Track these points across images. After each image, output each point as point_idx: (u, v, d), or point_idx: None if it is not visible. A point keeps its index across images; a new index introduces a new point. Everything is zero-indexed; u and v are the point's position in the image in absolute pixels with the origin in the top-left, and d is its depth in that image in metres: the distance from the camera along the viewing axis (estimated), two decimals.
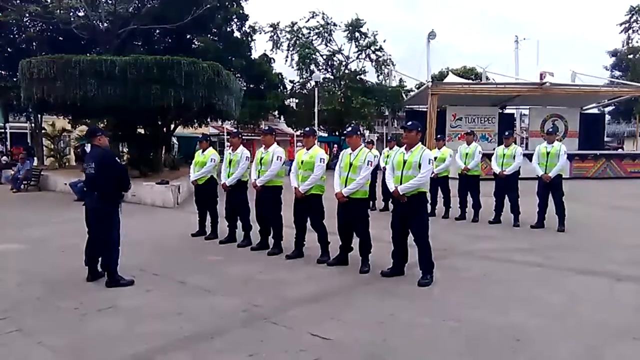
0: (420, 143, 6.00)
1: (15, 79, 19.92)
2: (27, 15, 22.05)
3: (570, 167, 20.27)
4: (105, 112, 16.00)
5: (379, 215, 10.42)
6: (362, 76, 31.43)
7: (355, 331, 4.41)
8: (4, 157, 23.86)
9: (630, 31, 39.84)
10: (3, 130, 28.53)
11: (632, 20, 39.51)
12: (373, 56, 31.36)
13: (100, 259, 5.84)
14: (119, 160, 5.95)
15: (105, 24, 22.36)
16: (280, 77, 31.68)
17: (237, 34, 28.94)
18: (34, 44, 23.48)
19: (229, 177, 7.90)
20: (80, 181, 13.70)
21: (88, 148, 22.63)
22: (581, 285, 5.96)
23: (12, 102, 22.68)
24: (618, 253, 7.57)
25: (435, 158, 9.89)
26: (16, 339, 4.26)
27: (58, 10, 21.93)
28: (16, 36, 23.57)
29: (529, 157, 10.05)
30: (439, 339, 4.28)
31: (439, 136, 11.92)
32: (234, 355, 3.93)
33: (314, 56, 30.93)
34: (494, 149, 10.90)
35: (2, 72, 24.14)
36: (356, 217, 6.36)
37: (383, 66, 31.57)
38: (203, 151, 8.65)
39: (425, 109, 24.24)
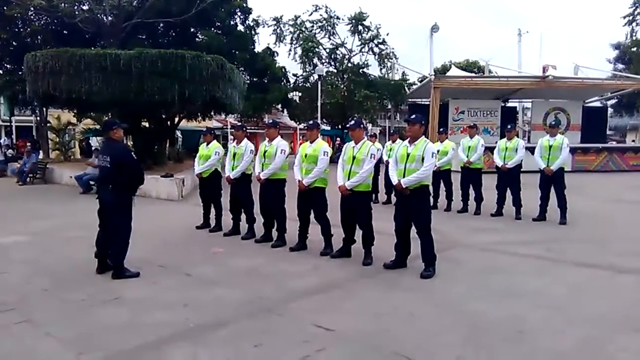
0: (423, 136, 6.04)
1: (20, 73, 20.00)
2: (32, 9, 22.05)
3: (573, 160, 20.22)
4: (110, 106, 16.04)
5: (381, 208, 10.46)
6: (365, 69, 31.38)
7: (359, 322, 4.47)
8: (10, 150, 23.96)
9: (634, 24, 39.50)
10: (9, 124, 28.64)
11: (635, 13, 39.19)
12: (376, 49, 31.27)
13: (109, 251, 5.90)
14: (134, 155, 5.98)
15: (110, 18, 22.39)
16: (283, 70, 31.66)
17: (240, 27, 28.92)
18: (38, 37, 23.50)
19: (233, 170, 7.95)
20: (86, 174, 13.79)
21: (93, 142, 22.65)
22: (582, 277, 6.01)
23: (18, 96, 22.82)
24: (619, 245, 7.61)
25: (438, 151, 9.89)
26: (25, 330, 4.33)
27: (63, 4, 21.96)
28: (21, 30, 23.58)
29: (531, 150, 10.06)
30: (442, 330, 4.33)
31: (441, 129, 11.92)
32: (239, 346, 3.99)
33: (317, 49, 30.88)
34: (496, 142, 10.92)
35: (8, 66, 24.21)
36: (359, 209, 6.40)
37: (386, 59, 31.50)
38: (207, 144, 8.71)
39: (427, 103, 24.20)
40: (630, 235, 8.42)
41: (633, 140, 40.22)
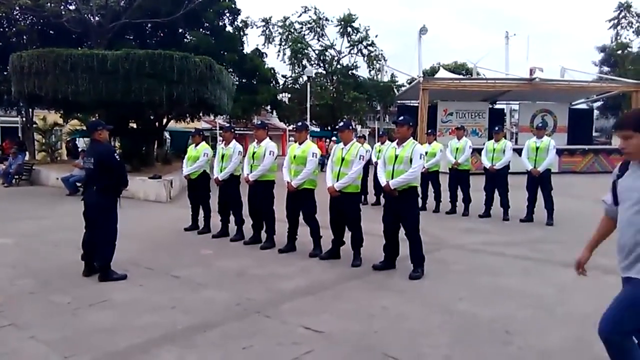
0: (411, 138, 6.06)
1: (5, 73, 19.77)
2: (17, 8, 21.83)
3: (559, 161, 20.39)
4: (96, 107, 15.93)
5: (370, 209, 10.49)
6: (354, 71, 31.54)
7: (348, 323, 4.47)
8: None
9: (619, 27, 40.17)
10: None
11: (620, 16, 39.85)
12: (365, 51, 31.46)
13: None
14: (117, 157, 5.94)
15: (97, 18, 22.20)
16: (272, 71, 31.64)
17: (229, 28, 28.82)
18: (24, 37, 23.23)
19: (221, 171, 7.93)
20: (72, 176, 13.68)
21: (79, 143, 22.42)
22: (569, 277, 5.99)
23: (3, 96, 22.53)
24: (605, 246, 7.57)
25: (426, 153, 9.91)
26: (9, 334, 4.27)
27: (49, 4, 21.73)
28: (6, 29, 23.31)
29: (518, 151, 10.13)
30: (430, 330, 4.34)
31: (429, 131, 11.96)
32: (228, 348, 3.97)
33: (306, 51, 30.96)
34: (484, 144, 10.97)
35: None
36: (348, 211, 6.41)
37: (375, 61, 31.67)
38: (196, 146, 8.67)
39: (416, 104, 24.31)
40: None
41: None
